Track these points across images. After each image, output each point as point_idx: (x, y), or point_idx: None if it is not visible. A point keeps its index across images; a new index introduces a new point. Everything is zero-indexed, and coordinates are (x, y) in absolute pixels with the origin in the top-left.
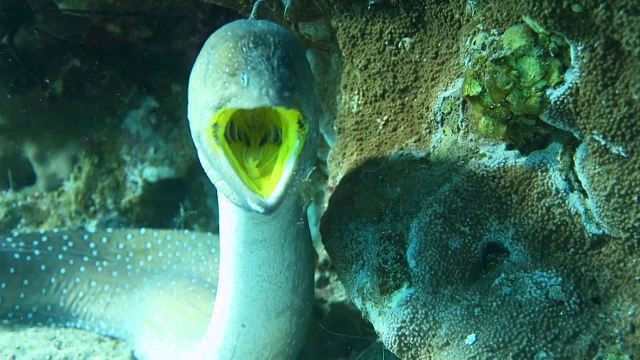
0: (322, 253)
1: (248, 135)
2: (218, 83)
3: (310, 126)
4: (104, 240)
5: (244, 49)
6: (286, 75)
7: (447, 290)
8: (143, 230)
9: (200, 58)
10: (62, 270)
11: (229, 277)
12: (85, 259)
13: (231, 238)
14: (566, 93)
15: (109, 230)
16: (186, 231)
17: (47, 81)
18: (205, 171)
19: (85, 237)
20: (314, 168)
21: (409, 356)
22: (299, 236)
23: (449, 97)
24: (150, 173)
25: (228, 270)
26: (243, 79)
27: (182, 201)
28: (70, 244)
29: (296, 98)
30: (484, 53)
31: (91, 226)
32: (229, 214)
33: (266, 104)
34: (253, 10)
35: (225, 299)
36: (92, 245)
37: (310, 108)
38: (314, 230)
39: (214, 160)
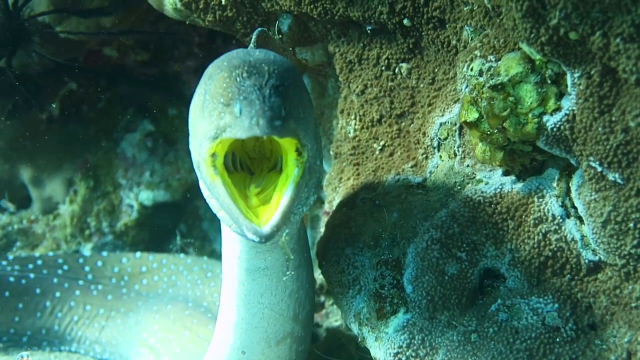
0: (318, 277)
1: (250, 165)
2: (214, 113)
3: (309, 154)
4: (99, 263)
5: (238, 79)
6: (277, 104)
7: (444, 316)
8: (138, 253)
9: (198, 88)
10: (57, 294)
11: (230, 304)
12: (81, 282)
13: (234, 265)
14: (563, 120)
15: (104, 253)
16: (182, 255)
17: (49, 104)
18: (207, 201)
19: (81, 260)
20: (316, 196)
21: None
22: (301, 264)
23: (445, 122)
24: (146, 196)
25: (230, 297)
26: (236, 109)
27: (178, 225)
28: (66, 267)
29: (289, 126)
30: (481, 79)
31: (86, 249)
32: (231, 242)
33: (256, 134)
34: (252, 39)
35: (226, 325)
36: (87, 268)
37: (309, 136)
38: (311, 255)
39: (213, 189)
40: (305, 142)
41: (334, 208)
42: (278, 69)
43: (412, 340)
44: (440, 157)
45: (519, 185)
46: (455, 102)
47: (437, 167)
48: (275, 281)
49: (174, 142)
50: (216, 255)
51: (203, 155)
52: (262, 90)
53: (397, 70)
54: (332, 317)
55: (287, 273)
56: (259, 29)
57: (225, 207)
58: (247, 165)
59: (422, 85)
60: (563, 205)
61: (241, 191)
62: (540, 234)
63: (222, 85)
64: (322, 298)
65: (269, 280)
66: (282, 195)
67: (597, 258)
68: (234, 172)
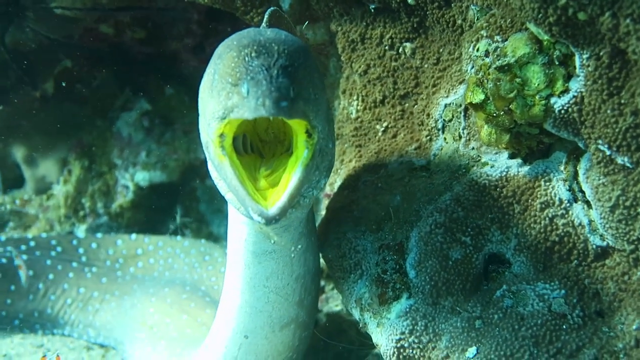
0: None
1: (261, 149)
2: (222, 93)
3: (319, 136)
4: (94, 245)
5: (247, 59)
6: (285, 85)
7: (448, 302)
8: (134, 235)
9: (208, 68)
10: (51, 276)
11: (235, 287)
12: (74, 264)
13: (240, 248)
14: (571, 102)
15: (99, 235)
16: (179, 237)
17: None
18: (215, 183)
19: (75, 242)
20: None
21: None
22: (308, 248)
23: (450, 104)
24: (142, 177)
25: (235, 280)
26: (243, 89)
27: (175, 206)
28: (59, 249)
29: (298, 107)
30: (487, 60)
31: (80, 231)
32: (238, 224)
33: (262, 114)
34: (265, 19)
35: (230, 308)
36: (81, 250)
37: (320, 118)
38: None
39: (221, 170)
40: (316, 123)
41: (335, 190)
42: (288, 49)
43: (415, 327)
44: (445, 139)
45: (525, 168)
46: (460, 83)
47: (442, 149)
48: (282, 265)
49: (171, 122)
50: (213, 237)
51: (211, 136)
52: (270, 70)
53: (400, 50)
54: (332, 302)
55: (295, 257)
56: (271, 8)
57: (232, 188)
58: (259, 148)
59: (426, 66)
60: (570, 189)
61: (250, 173)
62: (547, 218)
63: (231, 64)
64: (322, 282)
65: (276, 263)
66: (290, 177)
67: (605, 243)
68: (244, 154)
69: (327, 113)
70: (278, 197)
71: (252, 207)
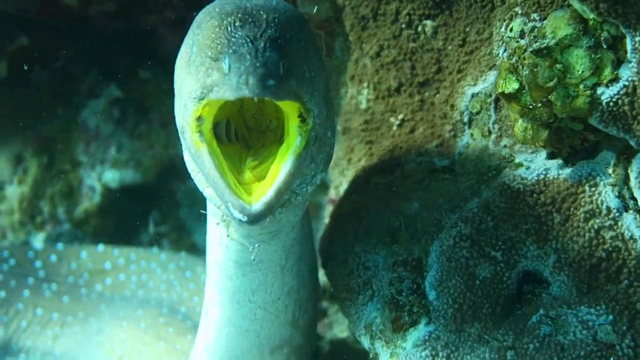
0: (320, 279)
1: (247, 137)
2: (201, 69)
3: (315, 121)
4: (54, 258)
5: (229, 29)
6: (273, 60)
7: (474, 329)
8: (101, 246)
9: (186, 39)
10: (2, 294)
11: (216, 302)
12: (31, 280)
13: (220, 256)
14: (621, 92)
15: (60, 246)
16: (155, 249)
17: None
18: (192, 177)
19: (31, 254)
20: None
21: None
22: (302, 258)
23: (478, 93)
24: (112, 177)
25: (215, 294)
26: (224, 64)
27: (150, 212)
28: (12, 261)
29: (288, 87)
30: (522, 42)
31: (38, 241)
32: (218, 227)
33: (245, 95)
34: None
35: (211, 329)
36: (38, 264)
37: (317, 100)
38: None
39: (198, 159)
40: (311, 106)
41: (341, 195)
42: (278, 18)
43: (435, 358)
44: (472, 135)
45: (567, 170)
46: (490, 68)
47: (468, 147)
48: (271, 277)
49: (146, 111)
50: (196, 249)
51: (187, 119)
52: (256, 42)
53: (420, 28)
54: (336, 328)
55: (286, 267)
56: None
57: (211, 180)
58: (245, 137)
59: (450, 48)
60: (620, 196)
61: (233, 164)
62: (592, 230)
63: (211, 35)
64: (325, 304)
65: (263, 275)
66: (279, 168)
67: None
68: (227, 143)
69: (326, 95)
70: (264, 191)
71: (232, 202)
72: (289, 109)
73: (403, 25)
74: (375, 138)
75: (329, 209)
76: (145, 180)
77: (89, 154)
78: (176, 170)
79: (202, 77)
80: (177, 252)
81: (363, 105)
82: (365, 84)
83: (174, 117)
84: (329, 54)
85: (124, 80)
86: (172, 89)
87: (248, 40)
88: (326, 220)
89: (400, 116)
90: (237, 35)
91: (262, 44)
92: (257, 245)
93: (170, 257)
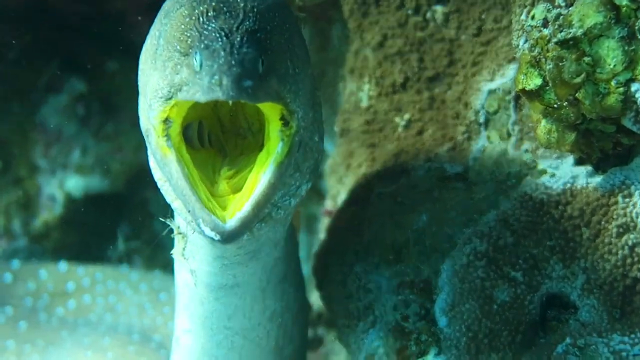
0: (314, 302)
1: (223, 141)
2: (169, 65)
3: (299, 124)
4: (8, 277)
5: (201, 19)
6: (250, 57)
7: None
8: (64, 264)
9: (152, 29)
10: None
11: (187, 330)
12: None
13: (190, 279)
14: None
15: (16, 264)
16: (125, 267)
17: None
18: (159, 186)
19: None
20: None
21: None
22: (286, 278)
23: (496, 90)
24: (75, 184)
25: (186, 321)
26: (195, 60)
27: (120, 224)
28: None
29: (268, 87)
30: (545, 32)
31: None
32: (190, 247)
33: (218, 97)
34: None
35: (182, 358)
36: None
37: (301, 99)
38: (305, 270)
39: (164, 167)
40: (295, 107)
41: (338, 206)
42: (258, 6)
43: None
44: (489, 137)
45: (597, 178)
46: (509, 61)
47: (484, 151)
48: (249, 301)
49: (114, 109)
50: (172, 268)
51: (152, 121)
52: (232, 36)
53: (429, 15)
54: (334, 357)
55: (268, 288)
56: None
57: (179, 191)
58: (221, 141)
59: (463, 37)
60: None
61: (205, 173)
62: (627, 247)
63: (180, 26)
64: (320, 331)
65: (241, 300)
66: (258, 179)
67: None
68: (199, 148)
69: (312, 94)
70: (240, 204)
71: (203, 218)
72: (270, 110)
73: (410, 11)
74: (377, 141)
75: (324, 222)
76: (113, 188)
77: (49, 158)
78: (149, 176)
79: (169, 73)
80: (150, 270)
81: (364, 103)
82: (367, 79)
83: (137, 118)
84: (325, 44)
85: (89, 72)
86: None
87: (222, 33)
88: (322, 234)
89: (407, 116)
90: (210, 28)
91: (238, 38)
92: (233, 267)
93: (142, 277)
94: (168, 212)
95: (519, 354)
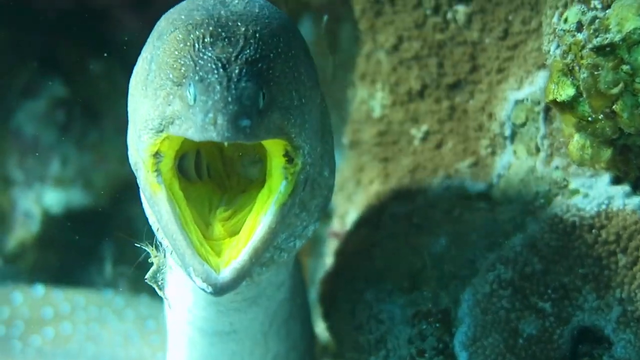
0: (320, 333)
1: (222, 173)
2: (161, 93)
3: (305, 160)
4: None
5: (197, 46)
6: (249, 93)
7: None
8: (40, 288)
9: (143, 52)
10: None
11: None
12: None
13: (182, 319)
14: None
15: None
16: (109, 292)
17: None
18: (150, 223)
19: None
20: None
21: None
22: (292, 316)
23: (523, 100)
24: (54, 199)
25: (178, 357)
26: (189, 92)
27: (102, 243)
28: None
29: (270, 123)
30: (580, 36)
31: None
32: (181, 287)
33: (212, 138)
34: None
35: None
36: None
37: (308, 132)
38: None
39: (154, 206)
40: (300, 142)
41: (347, 227)
42: (260, 32)
43: None
44: (515, 152)
45: (636, 199)
46: (539, 68)
47: (510, 168)
48: (249, 345)
49: (97, 115)
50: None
51: (142, 154)
52: (230, 67)
53: (450, 15)
54: None
55: (271, 332)
56: None
57: (169, 234)
58: (220, 172)
59: (488, 41)
60: None
61: (200, 212)
62: None
63: (174, 52)
64: None
65: (239, 345)
66: (257, 222)
67: None
68: (196, 181)
69: (321, 124)
70: (236, 252)
71: (194, 266)
72: (272, 146)
73: (428, 11)
74: (391, 155)
75: (332, 245)
76: (96, 203)
77: (25, 170)
78: (135, 190)
79: (161, 103)
80: (137, 295)
81: (376, 113)
82: (380, 86)
83: (126, 148)
84: (333, 47)
85: (70, 75)
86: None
87: (219, 64)
88: (328, 258)
89: (424, 127)
90: (205, 57)
91: (236, 70)
92: (229, 314)
93: (128, 302)
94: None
95: None
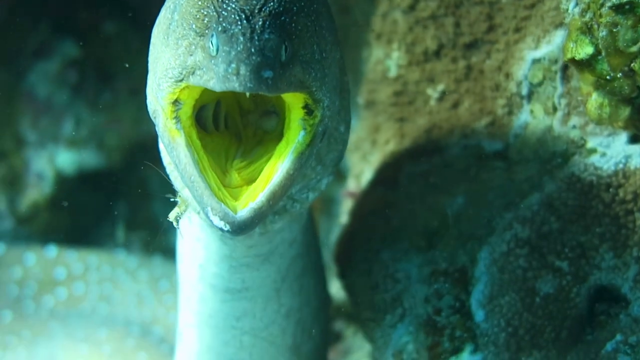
0: (335, 293)
1: (239, 125)
2: (183, 43)
3: (324, 113)
4: None
5: None
6: (273, 44)
7: (533, 358)
8: (53, 249)
9: (167, 1)
10: None
11: (190, 325)
12: None
13: (193, 276)
14: None
15: (0, 248)
16: (122, 252)
17: None
18: (168, 173)
19: None
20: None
21: None
22: (305, 272)
23: (541, 59)
24: (67, 160)
25: (189, 315)
26: (212, 43)
27: (117, 205)
28: None
29: (292, 77)
30: None
31: None
32: (192, 241)
33: (234, 88)
34: None
35: (188, 356)
36: None
37: (328, 86)
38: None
39: (172, 152)
40: (320, 96)
41: (363, 187)
42: None
43: None
44: (532, 112)
45: None
46: (556, 27)
47: (527, 127)
48: (261, 302)
49: (111, 76)
50: (174, 253)
51: (161, 101)
52: (253, 19)
53: None
54: (355, 354)
55: (284, 288)
56: None
57: (187, 178)
58: (237, 124)
59: (505, 0)
60: None
61: (217, 161)
62: None
63: (197, 2)
64: (340, 325)
65: (251, 302)
66: (275, 169)
67: None
68: (213, 132)
69: (340, 80)
70: (254, 195)
71: (212, 206)
72: (292, 99)
73: None
74: (407, 115)
75: (347, 205)
76: (109, 164)
77: (38, 130)
78: (149, 151)
79: (182, 53)
80: (150, 256)
81: (392, 73)
82: (396, 45)
83: (145, 95)
84: (348, 5)
85: (83, 35)
86: (145, 48)
87: (243, 15)
88: (342, 218)
89: (440, 87)
90: (229, 8)
91: (260, 22)
92: (242, 270)
93: (141, 263)
94: (174, 192)
95: (564, 351)
